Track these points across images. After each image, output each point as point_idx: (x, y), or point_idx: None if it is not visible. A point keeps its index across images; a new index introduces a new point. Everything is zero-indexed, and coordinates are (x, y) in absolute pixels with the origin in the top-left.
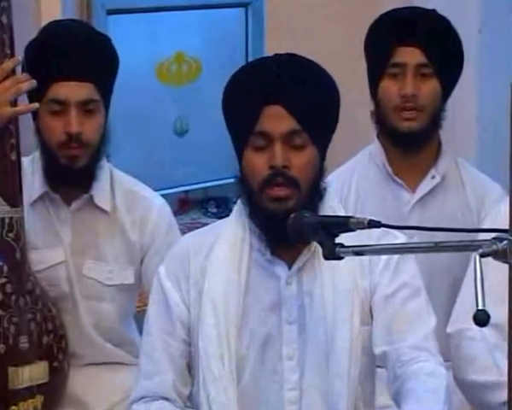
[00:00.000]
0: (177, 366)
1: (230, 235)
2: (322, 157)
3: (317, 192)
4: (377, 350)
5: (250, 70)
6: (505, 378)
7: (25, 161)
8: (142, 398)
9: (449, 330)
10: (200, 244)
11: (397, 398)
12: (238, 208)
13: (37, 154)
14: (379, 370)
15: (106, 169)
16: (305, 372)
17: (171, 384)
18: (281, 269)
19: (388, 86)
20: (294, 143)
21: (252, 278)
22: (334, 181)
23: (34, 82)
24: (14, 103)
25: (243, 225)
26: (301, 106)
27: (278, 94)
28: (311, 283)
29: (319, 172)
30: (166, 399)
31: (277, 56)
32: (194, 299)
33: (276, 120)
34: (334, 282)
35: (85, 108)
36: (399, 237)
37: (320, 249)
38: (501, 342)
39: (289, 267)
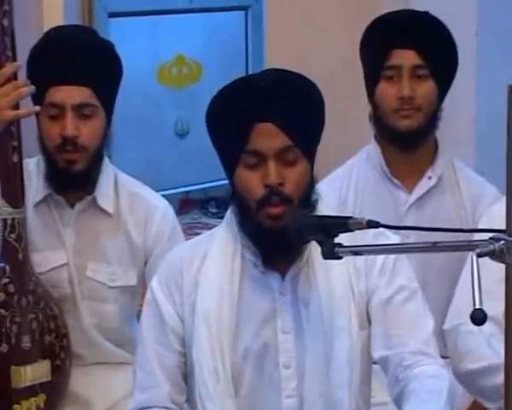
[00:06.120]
0: (173, 376)
1: (222, 247)
2: (312, 168)
3: (308, 204)
4: (376, 354)
5: (237, 89)
6: (502, 361)
7: (30, 162)
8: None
9: (445, 327)
10: (191, 257)
11: (399, 400)
12: (228, 220)
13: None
14: (375, 367)
15: (110, 171)
16: (306, 380)
17: (166, 396)
18: (274, 280)
19: (385, 89)
20: (287, 159)
21: (245, 290)
22: (333, 181)
23: (33, 88)
24: (16, 106)
25: (234, 237)
26: (292, 122)
27: (268, 111)
28: (306, 292)
29: (310, 185)
30: (164, 408)
31: (264, 73)
32: (188, 312)
33: (268, 137)
34: (329, 290)
35: (82, 112)
36: (392, 238)
37: (313, 258)
38: (495, 331)
39: (282, 277)
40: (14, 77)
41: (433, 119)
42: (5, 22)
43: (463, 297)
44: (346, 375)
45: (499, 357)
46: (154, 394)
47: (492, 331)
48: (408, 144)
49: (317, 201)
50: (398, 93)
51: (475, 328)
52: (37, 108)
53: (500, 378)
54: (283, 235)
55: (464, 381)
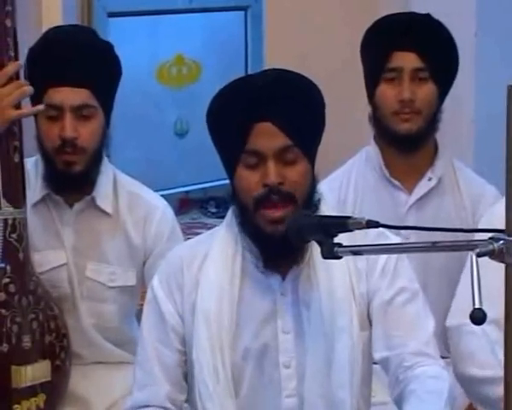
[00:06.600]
0: (172, 375)
1: (222, 248)
2: (313, 168)
3: (311, 204)
4: (377, 355)
5: (237, 88)
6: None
7: (29, 162)
8: (138, 408)
9: (448, 323)
10: (192, 256)
11: (399, 400)
12: (229, 220)
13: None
14: (376, 367)
15: (109, 171)
16: (306, 381)
17: (165, 395)
18: (275, 280)
19: (385, 91)
20: (287, 159)
21: (245, 290)
22: (333, 182)
23: (32, 88)
24: (17, 106)
25: (235, 238)
26: (292, 122)
27: (268, 111)
28: (307, 292)
29: (312, 185)
30: (161, 407)
31: (263, 73)
32: (188, 311)
33: (268, 137)
34: (330, 291)
35: (80, 113)
36: (392, 239)
37: (315, 259)
38: (500, 338)
39: (283, 278)
40: (16, 76)
41: (432, 121)
42: (8, 23)
43: (467, 294)
44: (347, 376)
45: (502, 368)
46: (152, 393)
47: (497, 338)
48: (407, 147)
49: (319, 201)
50: (399, 96)
51: (479, 330)
52: (41, 107)
53: (500, 391)
54: (284, 240)
55: (463, 383)
